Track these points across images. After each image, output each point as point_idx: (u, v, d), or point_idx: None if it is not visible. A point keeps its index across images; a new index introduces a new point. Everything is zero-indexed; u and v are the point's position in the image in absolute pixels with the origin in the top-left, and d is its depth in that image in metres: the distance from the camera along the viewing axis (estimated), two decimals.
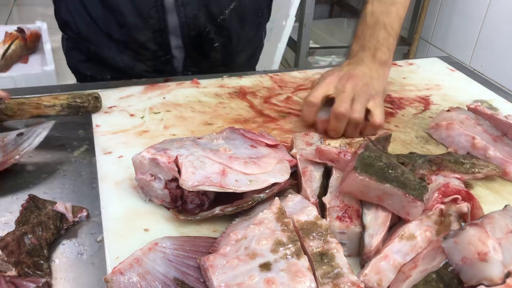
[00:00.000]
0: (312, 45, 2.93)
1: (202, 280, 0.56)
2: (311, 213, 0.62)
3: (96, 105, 0.89)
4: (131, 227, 0.64)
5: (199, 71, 1.14)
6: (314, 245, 0.57)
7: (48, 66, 2.52)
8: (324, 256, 0.56)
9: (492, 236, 0.52)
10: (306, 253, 0.57)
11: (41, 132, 0.81)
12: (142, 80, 1.04)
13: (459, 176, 0.73)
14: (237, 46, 1.16)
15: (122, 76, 1.08)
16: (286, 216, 0.61)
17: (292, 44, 2.72)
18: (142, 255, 0.58)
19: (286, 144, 0.81)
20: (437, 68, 1.16)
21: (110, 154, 0.78)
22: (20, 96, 0.87)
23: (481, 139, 0.80)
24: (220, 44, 1.12)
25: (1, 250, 0.62)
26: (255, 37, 1.23)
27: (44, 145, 0.81)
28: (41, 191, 0.74)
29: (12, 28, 2.87)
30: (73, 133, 0.88)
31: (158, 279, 0.55)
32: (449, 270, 0.53)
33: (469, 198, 0.64)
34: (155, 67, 1.12)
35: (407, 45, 2.79)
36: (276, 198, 0.65)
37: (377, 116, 0.84)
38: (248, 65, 1.27)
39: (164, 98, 0.96)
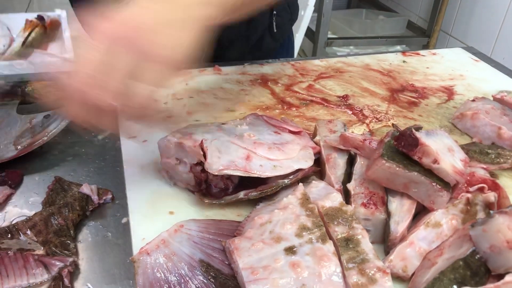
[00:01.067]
0: (330, 35, 2.91)
1: (227, 263, 0.57)
2: (336, 199, 0.62)
3: None
4: (156, 210, 0.65)
5: None
6: (339, 230, 0.57)
7: (67, 54, 2.54)
8: (349, 242, 0.56)
9: None
10: (331, 238, 0.57)
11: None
12: None
13: (485, 166, 0.73)
14: (222, 45, 1.09)
15: None
16: (310, 202, 0.61)
17: (310, 34, 2.70)
18: (168, 237, 0.58)
19: (308, 132, 0.81)
20: (461, 58, 1.15)
21: (135, 139, 0.79)
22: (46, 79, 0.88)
23: (508, 130, 0.79)
24: None
25: (30, 230, 0.64)
26: (248, 31, 1.12)
27: (69, 128, 0.83)
28: (67, 173, 0.75)
29: (32, 16, 2.90)
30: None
31: (184, 260, 0.56)
32: (476, 258, 0.52)
33: (495, 187, 0.64)
34: None
35: (427, 36, 2.75)
36: (300, 184, 0.65)
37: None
38: (249, 57, 1.16)
39: (186, 84, 0.96)
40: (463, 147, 0.76)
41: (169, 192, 0.68)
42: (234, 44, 1.12)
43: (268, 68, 1.07)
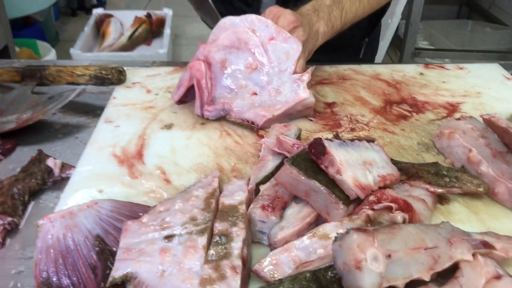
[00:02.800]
0: (425, 45, 2.77)
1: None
2: (238, 197, 0.63)
3: (119, 78, 0.98)
4: (89, 186, 0.71)
5: None
6: (220, 226, 0.58)
7: (162, 49, 2.76)
8: (223, 237, 0.57)
9: (381, 246, 0.49)
10: (212, 233, 0.58)
11: (67, 97, 0.93)
12: (180, 62, 1.11)
13: (431, 188, 0.68)
14: None
15: None
16: (213, 197, 0.63)
17: (398, 42, 2.59)
18: (77, 210, 0.64)
19: None
20: (490, 75, 1.04)
21: (110, 123, 0.87)
22: (60, 65, 1.00)
23: (478, 153, 0.72)
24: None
25: None
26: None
27: (73, 110, 0.94)
28: (51, 148, 0.85)
29: (141, 13, 3.19)
30: (102, 103, 0.98)
31: (82, 233, 0.62)
32: (330, 273, 0.50)
33: (408, 209, 0.60)
34: None
35: None
36: (216, 179, 0.67)
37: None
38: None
39: None
40: (415, 166, 0.71)
41: (110, 173, 0.75)
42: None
43: None
